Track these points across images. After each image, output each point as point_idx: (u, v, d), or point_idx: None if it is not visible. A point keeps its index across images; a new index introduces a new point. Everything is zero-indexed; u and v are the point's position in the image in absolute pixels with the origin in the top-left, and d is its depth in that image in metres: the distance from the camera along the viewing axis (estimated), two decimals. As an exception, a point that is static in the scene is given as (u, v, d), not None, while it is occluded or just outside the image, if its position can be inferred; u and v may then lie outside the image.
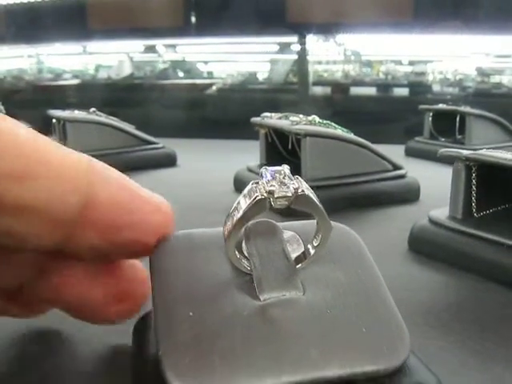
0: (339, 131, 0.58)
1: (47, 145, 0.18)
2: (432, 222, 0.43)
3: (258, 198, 0.18)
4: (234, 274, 0.20)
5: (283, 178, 0.18)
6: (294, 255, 0.21)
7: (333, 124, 0.59)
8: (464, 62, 1.80)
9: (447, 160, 0.44)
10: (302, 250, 0.21)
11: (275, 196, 0.18)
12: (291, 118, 0.60)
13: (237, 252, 0.20)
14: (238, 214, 0.18)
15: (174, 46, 1.91)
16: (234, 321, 0.18)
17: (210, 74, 1.90)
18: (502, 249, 0.38)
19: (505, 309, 0.34)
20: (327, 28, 1.78)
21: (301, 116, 0.60)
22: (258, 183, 0.18)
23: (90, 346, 0.27)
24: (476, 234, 0.40)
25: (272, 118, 0.64)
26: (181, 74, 1.89)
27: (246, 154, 0.72)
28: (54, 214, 0.18)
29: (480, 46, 1.76)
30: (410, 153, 0.91)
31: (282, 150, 0.63)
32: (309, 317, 0.18)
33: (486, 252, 0.38)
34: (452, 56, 1.80)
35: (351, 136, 0.58)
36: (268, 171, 0.19)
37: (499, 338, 0.29)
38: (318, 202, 0.19)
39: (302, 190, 0.18)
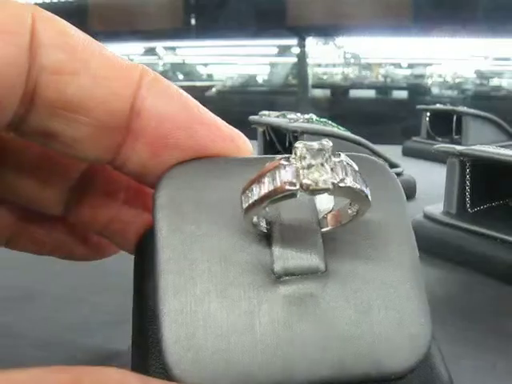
0: (336, 129, 0.59)
1: (96, 47, 0.17)
2: (427, 217, 0.44)
3: (286, 188, 0.14)
4: (250, 232, 0.17)
5: (325, 161, 0.14)
6: (322, 210, 0.17)
7: (330, 122, 0.60)
8: (463, 64, 1.80)
9: (442, 157, 0.44)
10: (332, 204, 0.18)
11: (310, 189, 0.14)
12: (289, 116, 0.60)
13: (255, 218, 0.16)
14: (259, 195, 0.15)
15: (173, 49, 1.91)
16: (242, 307, 0.16)
17: (210, 77, 1.91)
18: (495, 243, 0.38)
19: (497, 301, 0.34)
20: (327, 31, 1.78)
21: (298, 114, 0.61)
22: (288, 160, 0.15)
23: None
24: (470, 228, 0.40)
25: (270, 116, 0.64)
26: (180, 76, 1.90)
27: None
28: (98, 118, 0.17)
29: (479, 49, 1.77)
30: (407, 152, 0.92)
31: (280, 147, 0.64)
32: (328, 306, 0.16)
33: (480, 246, 0.39)
34: (451, 59, 1.81)
35: (348, 133, 0.59)
36: (307, 149, 0.15)
37: (491, 329, 0.30)
38: (361, 189, 0.15)
39: (343, 180, 0.14)
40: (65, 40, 0.16)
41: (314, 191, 0.14)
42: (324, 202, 0.18)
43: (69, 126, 0.17)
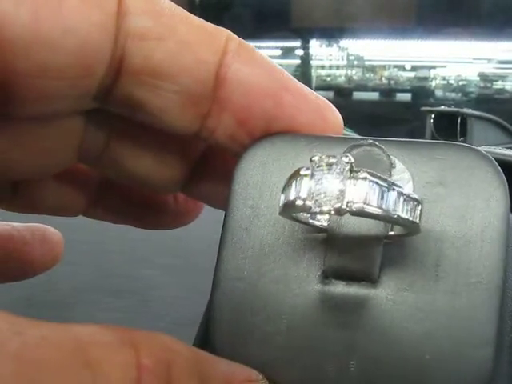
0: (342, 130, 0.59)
1: (182, 13, 0.17)
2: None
3: (296, 204, 0.14)
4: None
5: (339, 179, 0.13)
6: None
7: (336, 123, 0.60)
8: (467, 67, 1.81)
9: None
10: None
11: (311, 211, 0.13)
12: (295, 118, 0.61)
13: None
14: (280, 204, 0.15)
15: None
16: (281, 297, 0.15)
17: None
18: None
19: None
20: (331, 33, 1.79)
21: (304, 115, 0.61)
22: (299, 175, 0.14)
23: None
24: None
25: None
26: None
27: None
28: (184, 85, 0.17)
29: (483, 52, 1.77)
30: (412, 155, 0.92)
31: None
32: (366, 321, 0.15)
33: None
34: (455, 62, 1.81)
35: (354, 135, 0.59)
36: (322, 164, 0.13)
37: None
38: (385, 213, 0.13)
39: (364, 202, 0.13)
40: (151, 6, 0.16)
41: (317, 214, 0.14)
42: None
43: (155, 95, 0.17)
